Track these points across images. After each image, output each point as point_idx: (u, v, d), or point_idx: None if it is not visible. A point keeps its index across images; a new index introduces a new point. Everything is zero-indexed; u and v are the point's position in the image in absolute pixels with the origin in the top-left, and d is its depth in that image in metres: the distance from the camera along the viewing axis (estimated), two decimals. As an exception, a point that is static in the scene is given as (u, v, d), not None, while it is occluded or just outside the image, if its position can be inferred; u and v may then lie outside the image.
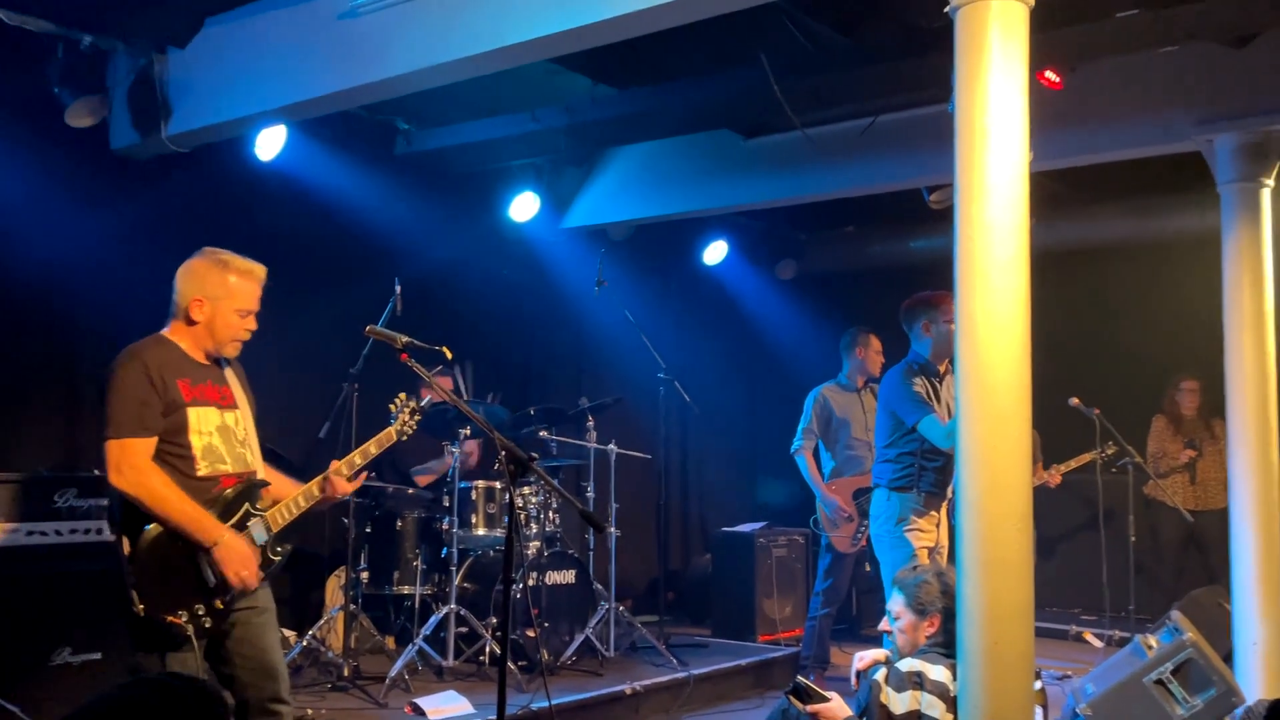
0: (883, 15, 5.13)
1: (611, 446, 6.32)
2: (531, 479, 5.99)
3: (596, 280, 6.53)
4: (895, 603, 3.59)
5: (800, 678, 3.55)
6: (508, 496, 5.82)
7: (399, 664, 5.23)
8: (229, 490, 3.39)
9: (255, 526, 3.41)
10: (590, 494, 6.44)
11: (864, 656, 3.72)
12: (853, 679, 3.71)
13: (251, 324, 3.48)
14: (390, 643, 5.98)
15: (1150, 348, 8.05)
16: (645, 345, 6.52)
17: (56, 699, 4.06)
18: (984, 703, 3.04)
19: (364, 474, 3.71)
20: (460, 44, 4.45)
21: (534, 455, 3.10)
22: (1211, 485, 7.70)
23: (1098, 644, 7.36)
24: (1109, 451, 6.82)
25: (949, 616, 3.42)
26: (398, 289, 5.36)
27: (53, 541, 4.19)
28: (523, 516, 5.98)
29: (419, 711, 4.82)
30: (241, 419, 3.50)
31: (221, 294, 3.42)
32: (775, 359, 9.16)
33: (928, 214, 7.95)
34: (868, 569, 6.76)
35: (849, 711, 3.43)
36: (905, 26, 5.18)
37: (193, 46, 5.39)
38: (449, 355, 3.32)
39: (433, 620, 5.53)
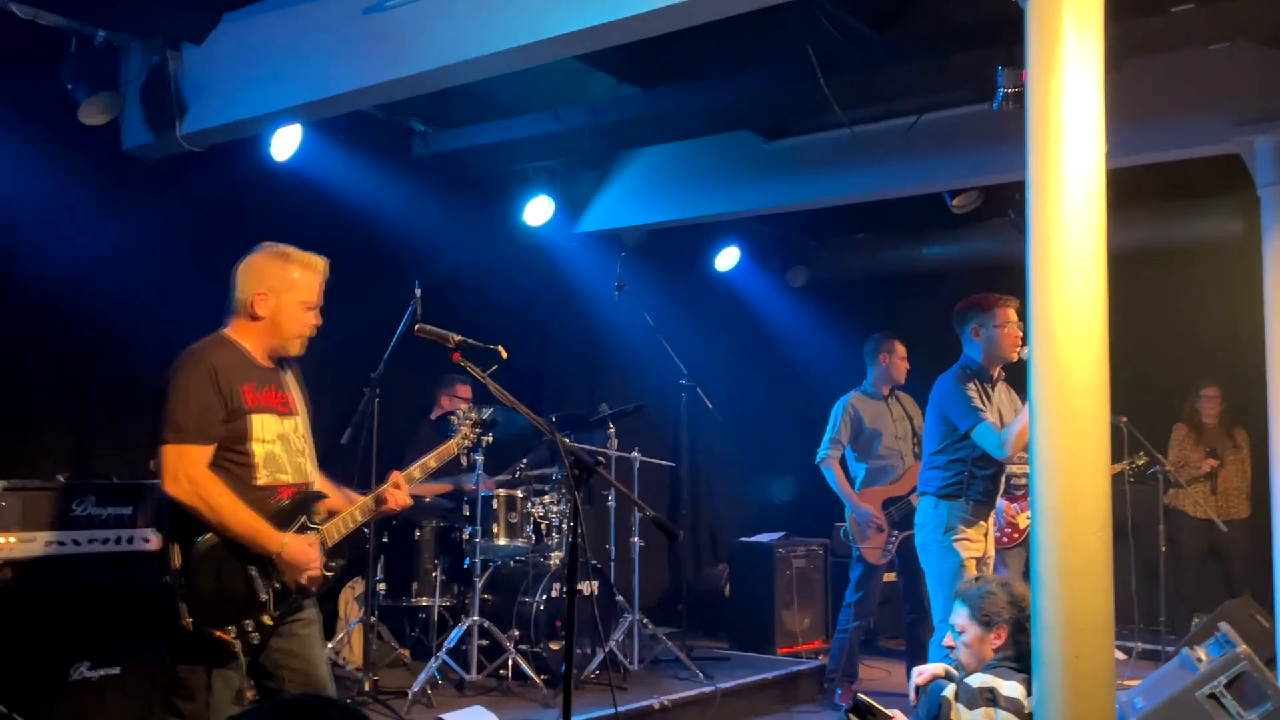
0: (919, 11, 5.03)
1: (635, 454, 6.18)
2: (553, 488, 5.86)
3: (616, 285, 6.40)
4: (959, 616, 3.46)
5: (861, 695, 3.41)
6: (528, 506, 5.80)
7: (422, 678, 5.06)
8: (285, 501, 3.25)
9: (310, 539, 3.26)
10: (611, 503, 6.30)
11: (923, 671, 3.58)
12: (911, 694, 3.57)
13: (315, 319, 3.37)
14: (407, 656, 5.82)
15: (1171, 355, 7.96)
16: (662, 351, 6.39)
17: (74, 716, 3.90)
18: (1064, 719, 2.91)
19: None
20: (493, 38, 4.32)
21: (600, 460, 2.96)
22: (1233, 495, 7.62)
23: (1122, 656, 7.23)
24: (1139, 462, 6.68)
25: (1018, 628, 3.30)
26: (418, 292, 5.21)
27: (71, 552, 4.01)
28: (544, 526, 5.83)
29: (446, 728, 4.67)
30: (300, 426, 3.38)
31: (284, 286, 3.31)
32: (787, 366, 9.06)
33: (941, 220, 7.87)
34: (888, 578, 6.64)
35: (914, 729, 3.29)
36: (942, 23, 5.08)
37: (209, 43, 5.25)
38: (504, 354, 3.19)
39: (455, 633, 5.37)
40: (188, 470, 3.08)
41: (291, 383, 3.43)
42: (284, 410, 3.33)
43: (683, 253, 8.47)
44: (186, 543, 3.08)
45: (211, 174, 5.66)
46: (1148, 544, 7.11)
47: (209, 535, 3.09)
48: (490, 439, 4.63)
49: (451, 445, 3.60)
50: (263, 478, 3.22)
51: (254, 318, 3.31)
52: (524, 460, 6.04)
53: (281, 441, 3.29)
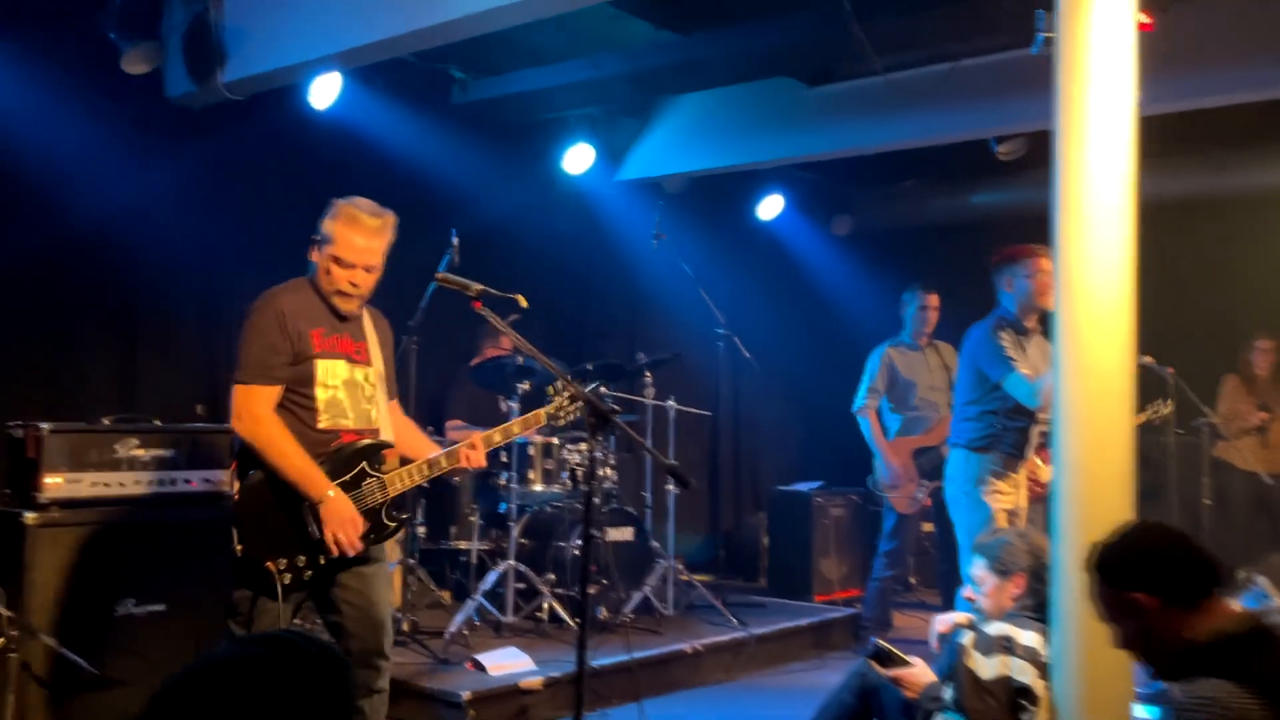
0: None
1: (671, 403, 6.21)
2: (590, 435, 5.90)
3: (655, 234, 6.39)
4: (977, 567, 3.45)
5: (881, 641, 3.43)
6: (565, 453, 5.86)
7: (459, 620, 5.17)
8: (347, 447, 3.33)
9: (370, 488, 3.34)
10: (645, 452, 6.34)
11: (945, 619, 3.59)
12: (933, 642, 3.59)
13: (356, 277, 3.33)
14: (447, 598, 5.95)
15: (1224, 306, 7.80)
16: (700, 300, 6.39)
17: (120, 650, 4.03)
18: (1080, 669, 2.92)
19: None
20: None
21: (616, 409, 2.99)
22: (1284, 447, 7.49)
23: (1162, 608, 7.18)
24: (1164, 410, 6.48)
25: (1035, 577, 3.29)
26: (455, 240, 5.24)
27: (115, 493, 4.13)
28: (580, 473, 5.89)
29: (480, 667, 4.77)
30: (372, 375, 3.44)
31: (327, 238, 3.33)
32: (830, 316, 9.00)
33: (991, 167, 7.72)
34: (925, 528, 6.64)
35: (932, 677, 3.31)
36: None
37: (249, -10, 5.29)
38: (524, 304, 3.21)
39: (491, 576, 5.48)
40: (250, 408, 3.20)
41: (371, 331, 3.49)
42: (357, 358, 3.39)
43: (725, 201, 8.42)
44: (245, 475, 3.24)
45: (253, 122, 5.72)
46: (1192, 497, 7.01)
47: (263, 470, 3.21)
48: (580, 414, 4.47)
49: (540, 414, 3.51)
50: (324, 421, 3.30)
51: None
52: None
53: (348, 387, 3.35)
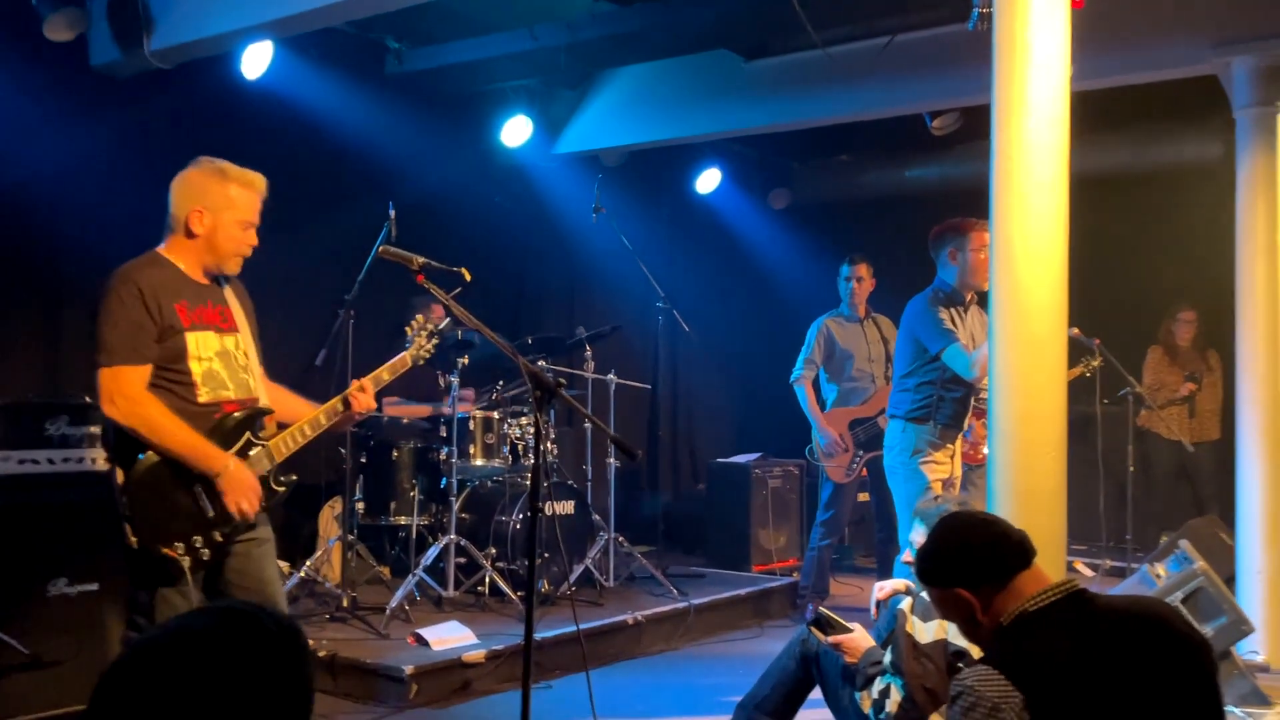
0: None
1: (611, 377, 6.22)
2: (530, 409, 5.90)
3: (594, 207, 6.37)
4: (917, 533, 3.51)
5: (822, 609, 3.49)
6: (505, 427, 5.85)
7: (399, 594, 5.15)
8: (229, 418, 3.21)
9: (257, 456, 3.24)
10: (588, 424, 6.35)
11: (884, 586, 3.66)
12: (872, 609, 3.66)
13: (253, 238, 3.28)
14: (386, 573, 5.92)
15: (1146, 278, 8.01)
16: (639, 273, 6.39)
17: (53, 630, 3.96)
18: (1015, 632, 2.99)
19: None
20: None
21: (561, 382, 2.96)
22: (1206, 416, 7.72)
23: (1089, 573, 7.40)
24: (1094, 363, 6.60)
25: (974, 545, 3.36)
26: (391, 213, 5.19)
27: (45, 470, 4.03)
28: (520, 447, 5.89)
29: (422, 642, 4.77)
30: (242, 342, 3.32)
31: (222, 205, 3.21)
32: (768, 289, 9.08)
33: (925, 142, 7.83)
34: (860, 498, 6.76)
35: (872, 642, 3.38)
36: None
37: (176, -44, 5.15)
38: (468, 277, 3.18)
39: (432, 551, 5.46)
40: (123, 391, 3.03)
41: (233, 299, 3.36)
42: (224, 326, 3.27)
43: (663, 175, 8.43)
44: (128, 463, 3.07)
45: (182, 92, 5.58)
46: (1117, 464, 7.22)
47: (149, 454, 3.06)
48: (444, 348, 4.34)
49: (405, 357, 3.49)
50: (204, 395, 3.17)
51: (190, 235, 3.22)
52: (500, 383, 6.08)
53: (222, 358, 3.24)
